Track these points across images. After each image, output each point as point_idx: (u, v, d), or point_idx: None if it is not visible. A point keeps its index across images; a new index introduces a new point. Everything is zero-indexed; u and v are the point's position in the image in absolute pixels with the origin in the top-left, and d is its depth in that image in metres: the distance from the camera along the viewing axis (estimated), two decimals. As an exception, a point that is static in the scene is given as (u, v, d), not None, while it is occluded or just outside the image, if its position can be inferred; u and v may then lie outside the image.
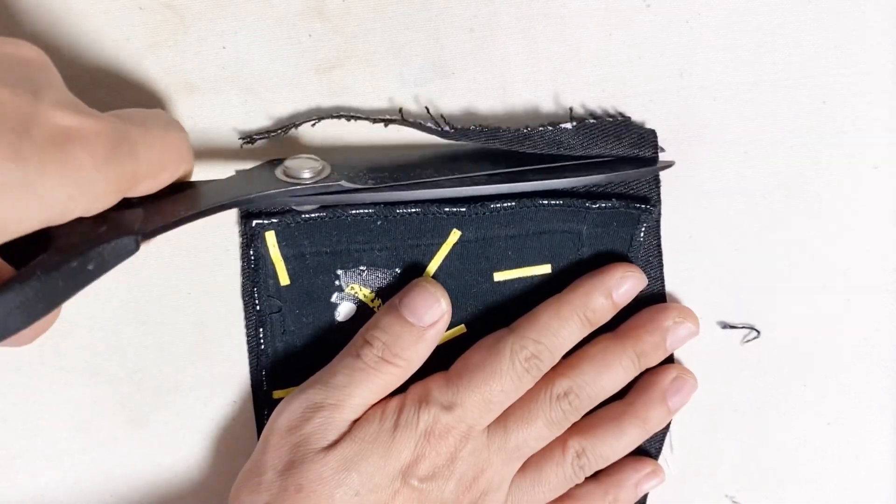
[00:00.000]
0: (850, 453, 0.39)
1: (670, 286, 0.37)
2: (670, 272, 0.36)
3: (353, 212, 0.34)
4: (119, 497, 0.36)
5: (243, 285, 0.35)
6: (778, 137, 0.36)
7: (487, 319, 0.35)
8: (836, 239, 0.37)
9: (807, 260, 0.37)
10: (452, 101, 0.34)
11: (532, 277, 0.35)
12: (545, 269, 0.35)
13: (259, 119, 0.33)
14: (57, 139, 0.24)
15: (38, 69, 0.25)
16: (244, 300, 0.35)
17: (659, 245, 0.36)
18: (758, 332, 0.37)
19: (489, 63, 0.34)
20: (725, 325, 0.37)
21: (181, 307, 0.35)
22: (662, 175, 0.35)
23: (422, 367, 0.33)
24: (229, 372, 0.35)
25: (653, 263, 0.36)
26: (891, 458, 0.39)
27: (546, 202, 0.34)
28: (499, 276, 0.35)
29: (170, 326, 0.35)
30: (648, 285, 0.36)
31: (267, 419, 0.35)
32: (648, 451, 0.38)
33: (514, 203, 0.34)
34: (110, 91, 0.32)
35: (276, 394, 0.35)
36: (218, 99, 0.33)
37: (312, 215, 0.33)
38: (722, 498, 0.39)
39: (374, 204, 0.33)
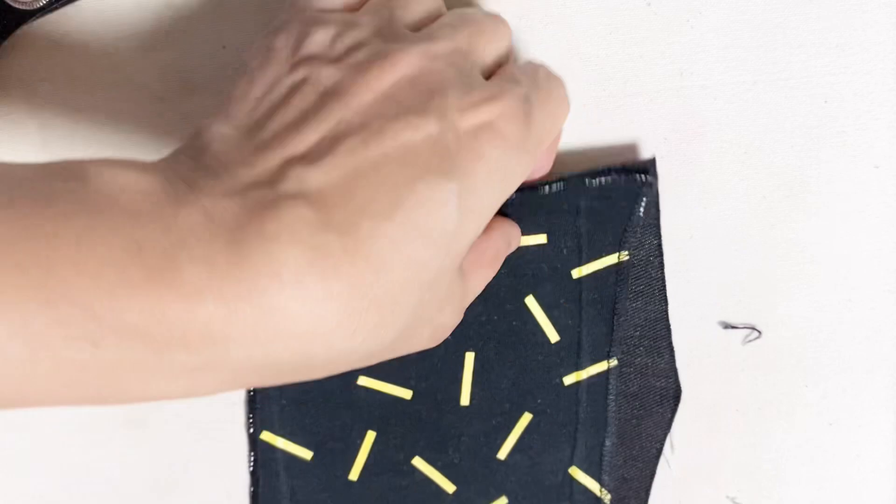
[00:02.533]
0: (851, 453, 0.39)
1: (670, 286, 0.36)
2: (670, 272, 0.36)
3: None
4: (119, 497, 0.36)
5: None
6: (778, 137, 0.35)
7: None
8: (837, 239, 0.37)
9: (807, 260, 0.37)
10: (452, 100, 0.34)
11: (527, 247, 0.35)
12: (540, 238, 0.35)
13: (259, 119, 0.33)
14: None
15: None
16: None
17: (658, 225, 0.35)
18: (759, 332, 0.37)
19: (489, 63, 0.34)
20: (726, 326, 0.37)
21: (181, 307, 0.35)
22: (662, 175, 0.35)
23: None
24: (229, 372, 0.35)
25: (653, 263, 0.36)
26: (892, 459, 0.39)
27: (549, 189, 0.34)
28: None
29: (170, 326, 0.35)
30: (648, 284, 0.36)
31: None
32: (649, 450, 0.38)
33: (515, 196, 0.33)
34: (110, 91, 0.32)
35: None
36: (218, 99, 0.33)
37: None
38: (723, 498, 0.39)
39: None
